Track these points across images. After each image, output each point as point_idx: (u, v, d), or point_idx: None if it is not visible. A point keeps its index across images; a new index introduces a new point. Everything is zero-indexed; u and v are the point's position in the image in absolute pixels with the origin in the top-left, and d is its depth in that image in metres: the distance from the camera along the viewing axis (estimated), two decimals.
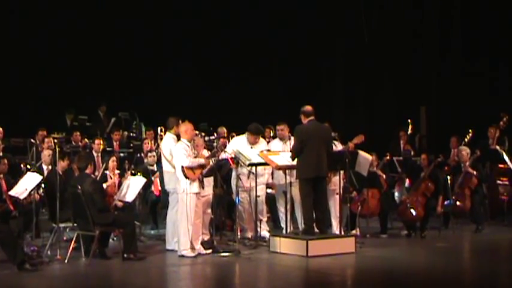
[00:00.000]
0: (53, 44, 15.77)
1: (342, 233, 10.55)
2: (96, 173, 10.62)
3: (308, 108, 10.07)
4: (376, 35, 17.42)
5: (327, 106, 17.57)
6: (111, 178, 10.53)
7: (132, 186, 10.19)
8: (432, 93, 17.04)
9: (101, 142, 12.73)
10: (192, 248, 9.62)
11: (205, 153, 10.03)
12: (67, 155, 11.10)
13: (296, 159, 9.93)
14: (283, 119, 11.16)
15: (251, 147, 10.75)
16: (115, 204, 10.16)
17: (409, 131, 14.55)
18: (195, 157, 9.69)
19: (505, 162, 12.85)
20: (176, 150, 9.72)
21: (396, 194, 12.10)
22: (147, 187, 11.41)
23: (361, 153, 10.82)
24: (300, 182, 10.02)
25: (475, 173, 11.94)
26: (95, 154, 12.21)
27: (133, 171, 10.94)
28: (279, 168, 10.37)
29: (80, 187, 9.25)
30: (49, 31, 15.72)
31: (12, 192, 9.42)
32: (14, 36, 15.38)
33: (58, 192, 9.47)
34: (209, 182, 10.12)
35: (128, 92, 16.39)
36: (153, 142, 13.14)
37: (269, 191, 11.45)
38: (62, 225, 9.76)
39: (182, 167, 9.52)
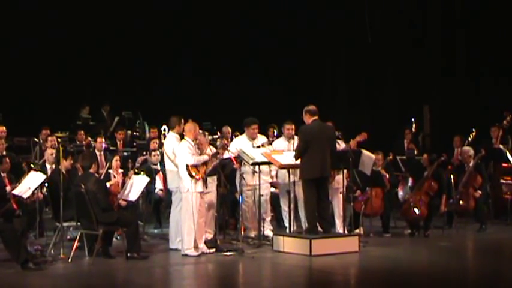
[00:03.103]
0: (56, 44, 15.80)
1: (346, 232, 10.54)
2: (100, 171, 10.63)
3: (313, 107, 10.05)
4: (380, 34, 17.41)
5: (330, 105, 17.58)
6: (115, 177, 10.54)
7: (136, 185, 10.20)
8: (435, 92, 17.02)
9: (103, 140, 12.73)
10: (196, 247, 9.62)
11: (209, 151, 10.04)
12: (70, 154, 11.10)
13: (300, 159, 9.92)
14: (288, 118, 11.14)
15: (252, 145, 10.76)
16: (118, 203, 10.17)
17: (413, 130, 14.54)
18: (200, 155, 9.71)
19: (508, 161, 12.84)
20: (180, 149, 9.73)
21: (400, 193, 12.08)
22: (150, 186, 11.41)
23: (365, 152, 10.81)
24: (303, 182, 10.01)
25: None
26: (97, 153, 12.21)
27: (136, 170, 10.95)
28: (283, 167, 10.37)
29: (83, 186, 9.26)
30: (52, 31, 15.75)
31: (15, 191, 9.42)
32: (17, 36, 15.41)
33: (61, 191, 9.47)
34: (213, 179, 10.14)
35: (131, 91, 16.41)
36: (157, 141, 13.15)
37: (273, 190, 11.45)
38: (65, 224, 9.75)
39: (187, 165, 9.53)
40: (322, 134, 9.91)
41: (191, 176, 9.52)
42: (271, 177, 11.16)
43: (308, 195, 9.88)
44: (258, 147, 10.72)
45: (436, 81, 17.01)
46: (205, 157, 9.70)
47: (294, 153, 10.10)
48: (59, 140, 12.22)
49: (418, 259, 9.82)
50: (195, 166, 9.56)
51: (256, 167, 10.35)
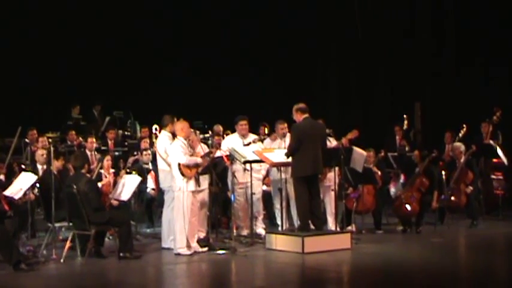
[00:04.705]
0: (48, 43, 15.73)
1: (338, 229, 10.56)
2: (92, 168, 10.59)
3: (303, 105, 10.06)
4: (370, 31, 17.44)
5: (322, 102, 17.59)
6: (106, 177, 10.52)
7: (128, 185, 10.18)
8: (426, 89, 17.06)
9: (94, 140, 12.71)
10: (188, 246, 9.62)
11: (200, 150, 10.04)
12: (62, 155, 11.07)
13: (291, 157, 9.92)
14: (280, 117, 11.15)
15: (243, 142, 10.76)
16: (110, 203, 10.15)
17: (405, 127, 14.57)
18: (191, 154, 9.71)
19: (499, 157, 12.89)
20: (173, 148, 9.73)
21: (392, 189, 12.12)
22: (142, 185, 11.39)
23: (356, 149, 10.83)
24: (295, 180, 10.01)
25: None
26: (88, 153, 12.18)
27: (128, 170, 10.93)
28: (274, 165, 10.37)
29: (75, 186, 9.24)
30: (44, 30, 15.69)
31: (7, 192, 9.38)
32: (9, 35, 15.34)
33: (53, 191, 9.45)
34: (205, 177, 10.13)
35: (122, 91, 16.37)
36: (148, 140, 13.12)
37: (265, 188, 11.46)
38: (57, 224, 9.73)
39: (179, 164, 9.53)
40: (314, 132, 9.92)
41: (183, 175, 9.52)
42: (263, 175, 11.19)
43: (300, 193, 9.89)
44: (249, 144, 10.72)
45: (426, 78, 17.05)
46: (198, 159, 9.69)
47: (285, 151, 10.11)
48: (50, 140, 12.17)
49: (410, 255, 9.85)
50: (187, 165, 9.56)
51: (248, 164, 10.35)
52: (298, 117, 10.01)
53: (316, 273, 8.75)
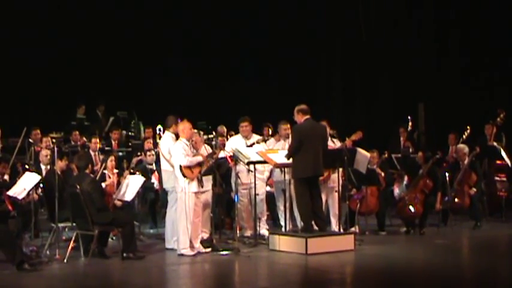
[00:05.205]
0: (52, 43, 15.75)
1: (341, 230, 10.55)
2: (96, 168, 10.60)
3: (304, 106, 10.05)
4: (374, 32, 17.43)
5: (325, 104, 17.60)
6: (110, 177, 10.53)
7: (131, 186, 10.20)
8: (430, 90, 17.05)
9: (98, 141, 12.72)
10: (192, 246, 9.63)
11: (204, 151, 10.04)
12: (65, 155, 11.09)
13: (292, 159, 9.91)
14: (283, 118, 11.15)
15: (246, 143, 10.76)
16: (114, 203, 10.16)
17: (409, 128, 14.57)
18: (194, 155, 9.71)
19: (502, 159, 12.88)
20: (175, 149, 9.73)
21: (395, 191, 12.11)
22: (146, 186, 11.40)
23: (360, 150, 10.82)
24: (296, 181, 10.01)
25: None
26: (92, 153, 12.20)
27: (132, 170, 10.94)
28: (278, 166, 10.37)
29: (78, 187, 9.26)
30: (47, 31, 15.71)
31: (10, 192, 9.40)
32: (12, 35, 15.36)
33: (57, 192, 9.47)
34: (208, 178, 10.14)
35: (126, 91, 16.39)
36: (151, 141, 13.15)
37: (268, 189, 11.46)
38: (60, 225, 9.75)
39: (180, 166, 9.53)
40: (315, 133, 9.92)
41: (185, 176, 9.52)
42: (266, 176, 11.19)
43: (301, 194, 9.89)
44: (252, 144, 10.72)
45: (430, 79, 17.03)
46: (198, 158, 9.69)
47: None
48: (53, 140, 12.19)
49: (414, 257, 9.83)
50: (189, 167, 9.56)
51: (251, 165, 10.35)
52: (300, 118, 10.00)
53: (320, 274, 8.75)
